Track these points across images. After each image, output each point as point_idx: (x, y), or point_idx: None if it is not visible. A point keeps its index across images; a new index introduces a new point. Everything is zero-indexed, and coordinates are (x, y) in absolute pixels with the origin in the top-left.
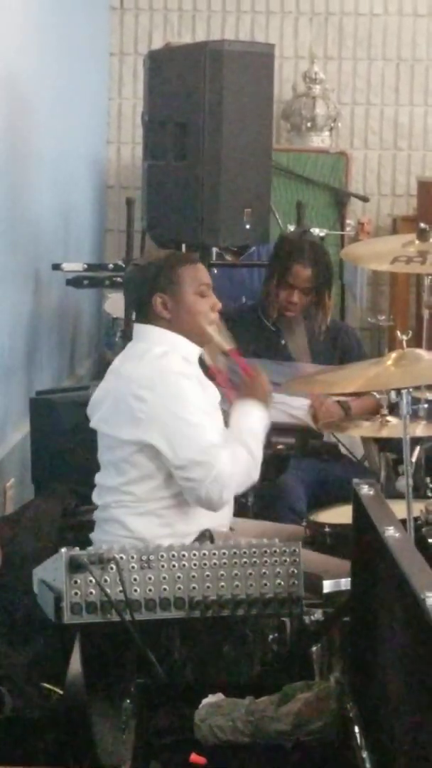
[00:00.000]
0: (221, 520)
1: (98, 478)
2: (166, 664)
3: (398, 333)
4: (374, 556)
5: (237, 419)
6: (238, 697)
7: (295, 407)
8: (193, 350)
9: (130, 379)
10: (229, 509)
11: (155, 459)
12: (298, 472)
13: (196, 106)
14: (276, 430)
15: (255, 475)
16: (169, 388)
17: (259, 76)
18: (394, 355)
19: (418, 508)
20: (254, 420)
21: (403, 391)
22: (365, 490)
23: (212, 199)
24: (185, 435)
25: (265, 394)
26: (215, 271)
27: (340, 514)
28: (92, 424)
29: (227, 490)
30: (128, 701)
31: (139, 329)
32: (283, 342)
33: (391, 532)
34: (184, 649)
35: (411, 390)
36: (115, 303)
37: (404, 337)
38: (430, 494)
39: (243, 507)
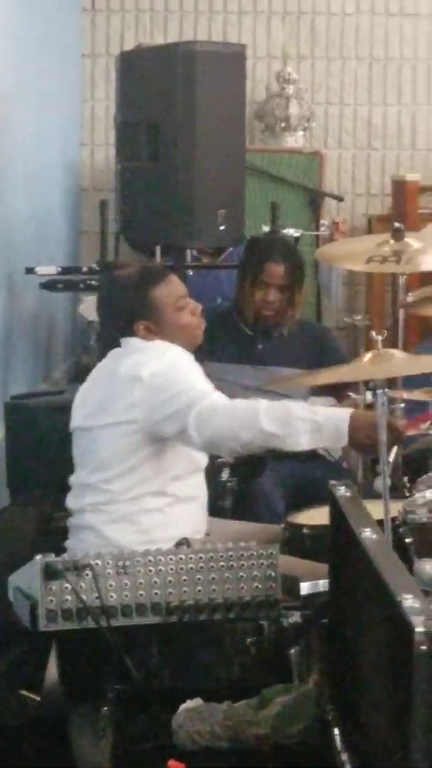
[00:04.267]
0: (197, 526)
1: (74, 478)
2: (143, 669)
3: (373, 333)
4: (351, 557)
5: (321, 410)
6: (217, 701)
7: None
8: (186, 353)
9: (127, 370)
10: (202, 513)
11: (139, 449)
12: (275, 474)
13: (169, 108)
14: None
15: (247, 436)
16: (165, 362)
17: (231, 77)
18: (369, 354)
19: (396, 508)
20: (322, 418)
21: (379, 391)
22: (342, 491)
23: (186, 200)
24: (182, 389)
25: (373, 443)
26: (190, 273)
27: (319, 516)
28: (74, 424)
29: (216, 419)
30: (106, 708)
31: (131, 341)
32: (259, 346)
33: (368, 533)
34: (161, 654)
35: (386, 390)
36: (90, 306)
37: (379, 338)
38: (407, 494)
39: (221, 508)
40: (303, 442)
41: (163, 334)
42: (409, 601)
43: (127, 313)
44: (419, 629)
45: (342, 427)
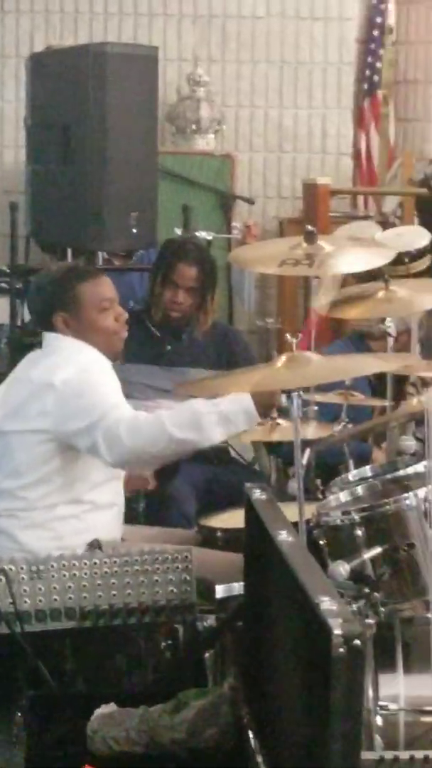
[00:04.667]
0: (113, 533)
1: None
2: (57, 675)
3: (287, 336)
4: (267, 560)
5: (222, 400)
6: (131, 706)
7: None
8: (103, 358)
9: (41, 374)
10: (119, 519)
11: (53, 458)
12: (188, 477)
13: (80, 109)
14: None
15: (158, 449)
16: (77, 368)
17: (143, 79)
18: (284, 357)
19: (309, 510)
20: (227, 406)
21: (294, 394)
22: (257, 494)
23: (97, 203)
24: (88, 405)
25: (271, 407)
26: None
27: (232, 518)
28: None
29: (124, 439)
30: (19, 714)
31: (49, 338)
32: (168, 348)
33: (284, 536)
34: (75, 659)
35: (301, 393)
36: (1, 309)
37: (294, 340)
38: (320, 496)
39: (134, 513)
40: (216, 436)
41: (80, 330)
42: (326, 604)
43: (49, 303)
44: (337, 632)
45: (249, 407)
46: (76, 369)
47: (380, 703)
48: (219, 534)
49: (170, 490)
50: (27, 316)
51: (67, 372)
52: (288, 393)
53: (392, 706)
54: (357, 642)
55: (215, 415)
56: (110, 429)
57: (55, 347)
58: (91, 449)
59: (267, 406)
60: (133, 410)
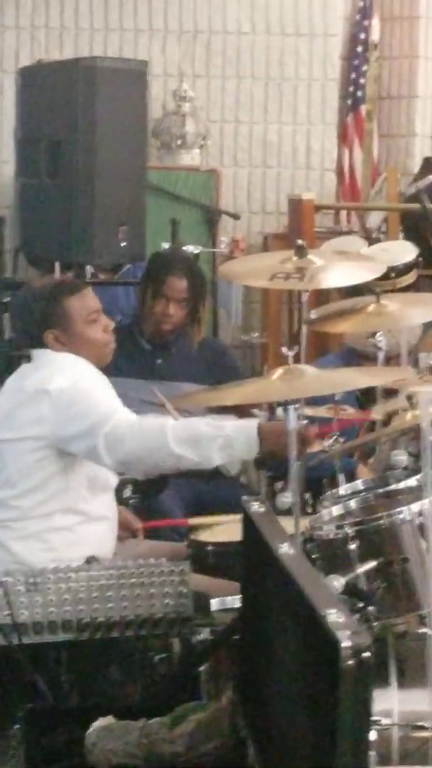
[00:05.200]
0: (106, 547)
1: None
2: (53, 687)
3: (283, 349)
4: (267, 573)
5: (228, 424)
6: (127, 719)
7: None
8: (93, 369)
9: (34, 384)
10: (111, 534)
11: (46, 465)
12: (176, 490)
13: (69, 123)
14: None
15: (157, 459)
16: (72, 377)
17: (132, 93)
18: (279, 370)
19: (302, 524)
20: (232, 431)
21: (290, 407)
22: (255, 507)
23: (86, 216)
24: (88, 408)
25: (282, 450)
26: None
27: (222, 532)
28: None
29: (126, 442)
30: (16, 726)
31: (39, 353)
32: (158, 361)
33: (285, 549)
34: (72, 672)
35: (298, 406)
36: None
37: (290, 353)
38: (309, 511)
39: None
40: (215, 459)
41: (71, 345)
42: (333, 616)
43: (38, 322)
44: (345, 644)
45: (252, 437)
46: (70, 378)
47: (374, 717)
48: (209, 548)
49: (159, 503)
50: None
51: (61, 380)
52: (284, 405)
53: (386, 721)
54: (366, 654)
55: (221, 439)
56: (113, 431)
57: (45, 361)
58: (90, 452)
59: (271, 443)
60: (135, 415)
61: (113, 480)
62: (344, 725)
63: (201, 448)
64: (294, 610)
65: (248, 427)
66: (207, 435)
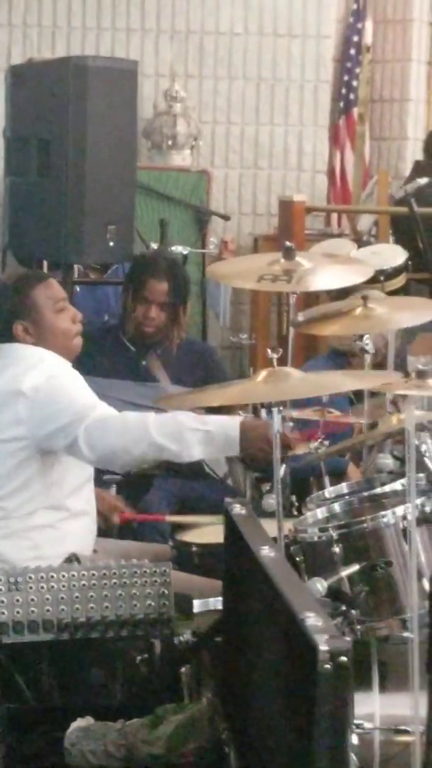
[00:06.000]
0: (86, 542)
1: None
2: (34, 687)
3: (268, 351)
4: (248, 575)
5: (211, 420)
6: (108, 720)
7: None
8: (65, 364)
9: (6, 384)
10: (92, 528)
11: (28, 465)
12: (161, 492)
13: (60, 122)
14: None
15: (139, 450)
16: (44, 374)
17: (123, 93)
18: (264, 373)
19: (286, 527)
20: (214, 428)
21: (275, 409)
22: (237, 509)
23: (75, 216)
24: (66, 404)
25: (262, 454)
26: (77, 289)
27: (207, 533)
28: None
29: (110, 434)
30: None
31: (8, 348)
32: (143, 363)
33: (266, 551)
34: (52, 672)
35: (282, 408)
36: None
37: (275, 356)
38: (295, 513)
39: (107, 527)
40: (195, 453)
41: (40, 336)
42: (311, 620)
43: (5, 314)
44: (323, 648)
45: (233, 436)
46: (43, 375)
47: (355, 721)
48: (194, 549)
49: (144, 504)
50: None
51: (35, 378)
52: (269, 407)
53: (367, 725)
54: (343, 658)
55: (200, 433)
56: (93, 424)
57: (14, 357)
58: (71, 447)
59: (253, 442)
60: (111, 407)
61: (91, 470)
62: (321, 729)
63: (182, 440)
64: (273, 613)
65: (230, 426)
66: (190, 428)
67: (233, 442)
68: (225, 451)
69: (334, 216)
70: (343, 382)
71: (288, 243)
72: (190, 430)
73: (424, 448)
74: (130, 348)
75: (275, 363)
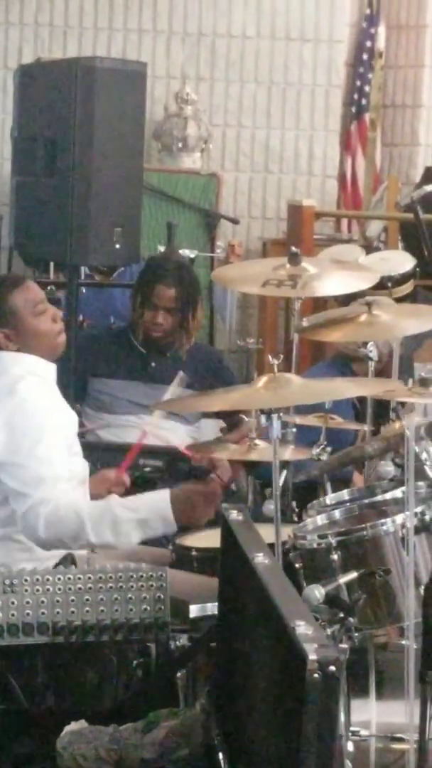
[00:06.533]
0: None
1: None
2: (28, 690)
3: (269, 357)
4: (242, 581)
5: (142, 504)
6: (102, 724)
7: (163, 429)
8: (49, 368)
9: None
10: None
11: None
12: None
13: (67, 123)
14: (144, 452)
15: (78, 545)
16: (13, 406)
17: (130, 94)
18: (264, 378)
19: (286, 533)
20: (146, 513)
21: (273, 415)
22: (234, 515)
23: (82, 217)
24: (24, 465)
25: (198, 522)
26: (83, 291)
27: (207, 538)
28: None
29: (39, 529)
30: None
31: None
32: (152, 365)
33: (260, 558)
34: (46, 675)
35: (281, 414)
36: None
37: (275, 362)
38: (295, 519)
39: None
40: (134, 539)
41: (23, 342)
42: (301, 628)
43: None
44: (312, 657)
45: (167, 516)
46: (10, 408)
47: (352, 728)
48: (194, 553)
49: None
50: None
51: (2, 409)
52: (268, 413)
53: (364, 732)
54: (332, 668)
55: (134, 522)
56: (31, 512)
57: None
58: (24, 515)
59: (186, 512)
60: (58, 494)
61: (84, 472)
62: (309, 738)
63: (119, 533)
64: (266, 621)
65: (161, 507)
66: (123, 521)
67: (169, 520)
68: (163, 530)
69: (344, 221)
70: (344, 388)
71: (293, 248)
72: (125, 522)
73: (424, 456)
74: (142, 350)
75: (276, 369)
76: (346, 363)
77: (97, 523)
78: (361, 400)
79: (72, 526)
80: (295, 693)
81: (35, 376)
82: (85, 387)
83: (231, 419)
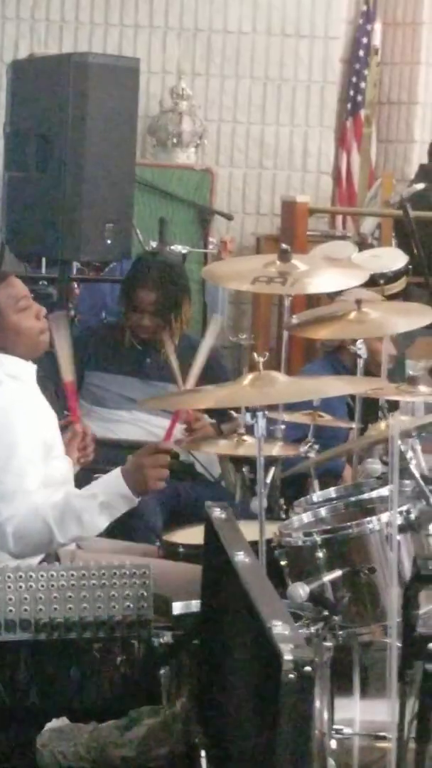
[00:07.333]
0: None
1: None
2: (9, 687)
3: (255, 355)
4: (224, 580)
5: (98, 488)
6: (84, 721)
7: (155, 425)
8: (26, 367)
9: None
10: None
11: None
12: (155, 493)
13: (60, 118)
14: (134, 448)
15: (50, 548)
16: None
17: (123, 90)
18: (250, 376)
19: (272, 529)
20: (104, 496)
21: (258, 413)
22: (217, 513)
23: (74, 212)
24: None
25: (143, 482)
26: (75, 286)
27: (195, 534)
28: None
29: (10, 545)
30: None
31: None
32: (147, 360)
33: (241, 557)
34: (29, 672)
35: (266, 412)
36: None
37: (261, 359)
38: (283, 516)
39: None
40: (101, 525)
41: (3, 338)
42: (278, 628)
43: None
44: (287, 657)
45: (124, 491)
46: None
47: (335, 726)
48: (181, 549)
49: (137, 506)
50: None
51: None
52: (253, 411)
53: (347, 730)
54: (307, 668)
55: (96, 508)
56: (21, 523)
57: None
58: None
59: (140, 482)
60: (24, 507)
61: (68, 473)
62: (284, 738)
63: (83, 524)
64: (245, 620)
65: (117, 484)
66: (84, 511)
67: (128, 495)
68: (127, 506)
69: (339, 217)
70: (331, 386)
71: (283, 245)
72: (86, 511)
73: (410, 454)
74: (137, 346)
75: (261, 366)
76: (338, 359)
77: (61, 522)
78: (354, 397)
79: (39, 536)
80: (271, 692)
81: (13, 380)
82: (82, 379)
83: (221, 417)
